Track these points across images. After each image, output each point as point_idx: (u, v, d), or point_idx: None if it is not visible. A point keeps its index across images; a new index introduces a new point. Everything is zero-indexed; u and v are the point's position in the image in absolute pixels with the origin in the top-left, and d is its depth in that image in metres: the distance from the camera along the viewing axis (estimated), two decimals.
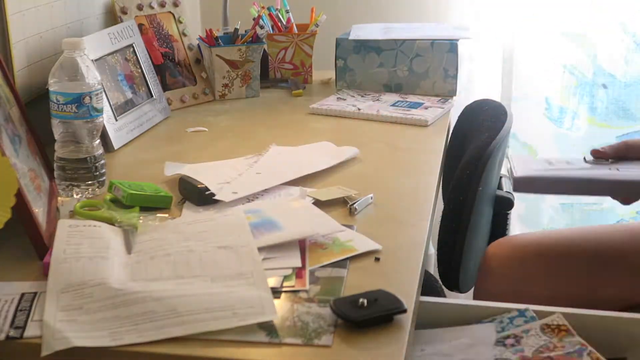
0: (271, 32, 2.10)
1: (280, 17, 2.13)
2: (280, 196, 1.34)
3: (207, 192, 1.30)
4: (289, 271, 1.07)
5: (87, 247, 1.09)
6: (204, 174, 1.36)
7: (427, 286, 1.81)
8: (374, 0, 2.38)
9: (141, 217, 1.22)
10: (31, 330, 0.95)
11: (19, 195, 1.07)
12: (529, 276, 1.50)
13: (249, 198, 1.32)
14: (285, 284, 1.05)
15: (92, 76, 1.33)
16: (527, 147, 2.34)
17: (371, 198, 1.32)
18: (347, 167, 1.51)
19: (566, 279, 1.49)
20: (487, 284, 1.56)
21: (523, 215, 2.39)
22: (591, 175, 1.40)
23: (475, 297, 1.57)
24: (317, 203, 1.29)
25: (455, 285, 1.60)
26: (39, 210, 1.18)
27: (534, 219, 2.40)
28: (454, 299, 1.36)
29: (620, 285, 1.48)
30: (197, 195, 1.31)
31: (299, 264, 1.09)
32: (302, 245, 1.14)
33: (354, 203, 1.29)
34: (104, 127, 1.42)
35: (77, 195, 1.34)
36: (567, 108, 2.30)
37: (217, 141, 1.67)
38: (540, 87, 2.31)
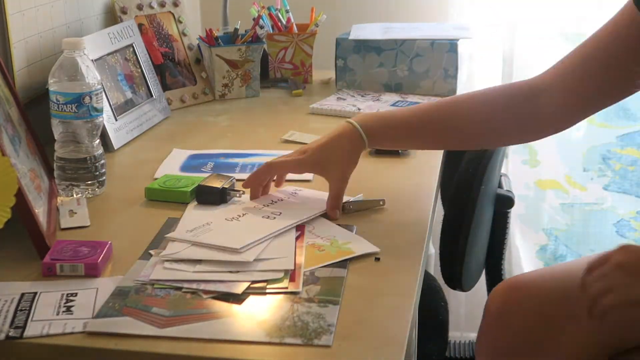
0: (271, 32, 2.10)
1: (280, 17, 2.13)
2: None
3: (227, 190, 1.31)
4: (280, 274, 1.07)
5: None
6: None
7: (427, 286, 1.82)
8: (374, 0, 2.38)
9: None
10: (31, 330, 0.95)
11: (20, 195, 1.07)
12: (549, 331, 1.28)
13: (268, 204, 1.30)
14: (276, 285, 1.05)
15: (92, 76, 1.33)
16: (527, 147, 2.34)
17: (361, 196, 1.32)
18: None
19: (596, 327, 1.25)
20: (496, 337, 1.34)
21: (523, 215, 2.39)
22: None
23: (478, 347, 1.39)
24: None
25: (458, 284, 1.60)
26: (39, 210, 1.18)
27: (534, 219, 2.40)
28: None
29: None
30: (218, 195, 1.30)
31: (291, 267, 1.09)
32: (299, 245, 1.15)
33: (349, 201, 1.29)
34: (103, 127, 1.42)
35: (77, 195, 1.34)
36: None
37: (217, 141, 1.67)
38: None
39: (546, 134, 1.33)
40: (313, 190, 1.35)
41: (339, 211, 1.26)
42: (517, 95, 1.28)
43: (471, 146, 1.41)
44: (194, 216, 1.25)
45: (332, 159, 1.28)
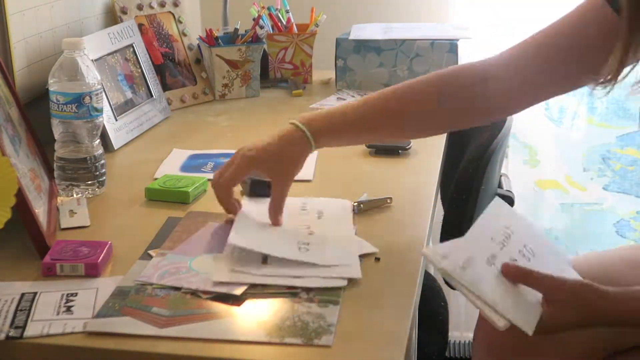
0: (271, 32, 2.10)
1: (280, 17, 2.13)
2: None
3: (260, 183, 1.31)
4: (344, 282, 1.06)
5: None
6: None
7: (427, 286, 1.82)
8: (374, 0, 2.38)
9: None
10: (31, 330, 0.95)
11: (20, 195, 1.07)
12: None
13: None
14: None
15: (92, 76, 1.33)
16: (527, 147, 2.34)
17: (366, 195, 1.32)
18: (348, 167, 1.51)
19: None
20: (490, 335, 1.33)
21: (523, 215, 2.39)
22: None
23: (474, 345, 1.38)
24: None
25: None
26: (39, 210, 1.18)
27: (534, 219, 2.40)
28: None
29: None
30: (248, 185, 1.31)
31: (359, 275, 1.08)
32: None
33: (360, 201, 1.29)
34: (103, 127, 1.42)
35: (77, 195, 1.34)
36: (566, 108, 2.30)
37: (217, 141, 1.67)
38: None
39: (494, 117, 1.36)
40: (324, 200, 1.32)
41: (281, 217, 1.21)
42: (467, 78, 1.27)
43: (419, 134, 1.37)
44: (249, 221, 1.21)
45: (280, 163, 1.21)
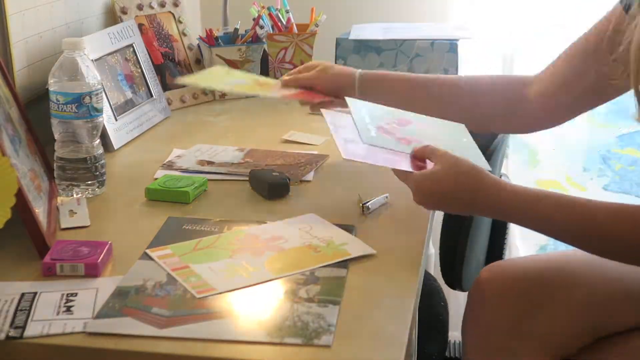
0: (271, 32, 2.10)
1: (280, 17, 2.13)
2: None
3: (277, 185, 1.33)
4: None
5: None
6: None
7: (427, 286, 1.82)
8: (374, 0, 2.38)
9: None
10: (31, 330, 0.95)
11: (20, 195, 1.07)
12: (530, 309, 1.29)
13: None
14: None
15: (92, 76, 1.33)
16: (527, 147, 2.34)
17: (386, 198, 1.32)
18: (348, 166, 1.50)
19: (575, 311, 1.28)
20: (479, 315, 1.37)
21: None
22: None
23: (463, 328, 1.42)
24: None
25: (458, 284, 1.60)
26: (40, 210, 1.18)
27: None
28: None
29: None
30: (267, 188, 1.33)
31: None
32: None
33: (367, 202, 1.29)
34: (103, 127, 1.42)
35: (77, 195, 1.34)
36: None
37: (217, 141, 1.67)
38: None
39: (532, 127, 1.43)
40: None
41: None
42: (509, 83, 1.40)
43: (457, 118, 1.42)
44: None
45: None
